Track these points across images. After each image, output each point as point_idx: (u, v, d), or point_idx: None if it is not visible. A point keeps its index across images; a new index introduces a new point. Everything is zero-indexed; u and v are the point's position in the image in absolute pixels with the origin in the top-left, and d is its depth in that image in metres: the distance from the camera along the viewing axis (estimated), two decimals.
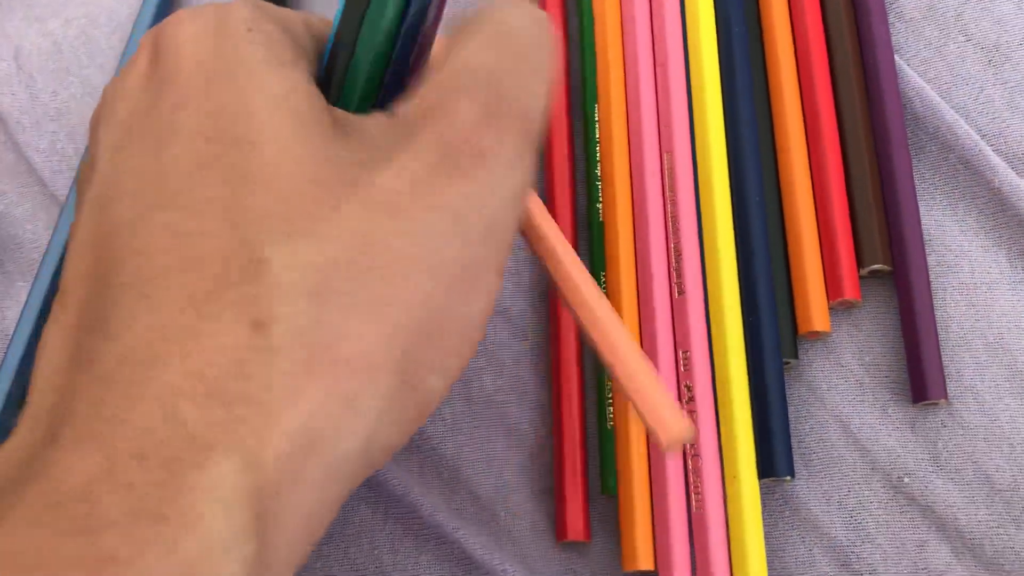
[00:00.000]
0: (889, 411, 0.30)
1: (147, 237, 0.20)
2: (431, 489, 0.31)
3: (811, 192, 0.31)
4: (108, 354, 0.19)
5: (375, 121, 0.22)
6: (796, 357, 0.30)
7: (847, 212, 0.30)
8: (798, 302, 0.30)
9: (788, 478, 0.28)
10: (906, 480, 0.29)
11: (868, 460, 0.29)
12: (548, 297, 0.33)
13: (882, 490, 0.29)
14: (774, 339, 0.29)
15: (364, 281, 0.20)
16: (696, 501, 0.28)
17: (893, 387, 0.30)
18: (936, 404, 0.29)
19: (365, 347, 0.20)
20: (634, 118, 0.32)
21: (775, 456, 0.28)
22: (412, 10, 0.23)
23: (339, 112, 0.22)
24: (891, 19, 0.33)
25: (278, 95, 0.21)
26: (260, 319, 0.19)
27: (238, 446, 0.18)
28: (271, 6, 0.24)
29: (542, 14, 0.23)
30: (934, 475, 0.29)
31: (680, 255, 0.30)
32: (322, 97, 0.22)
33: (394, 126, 0.22)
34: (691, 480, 0.28)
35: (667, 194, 0.31)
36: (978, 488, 0.28)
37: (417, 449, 0.32)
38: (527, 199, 0.22)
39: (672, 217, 0.30)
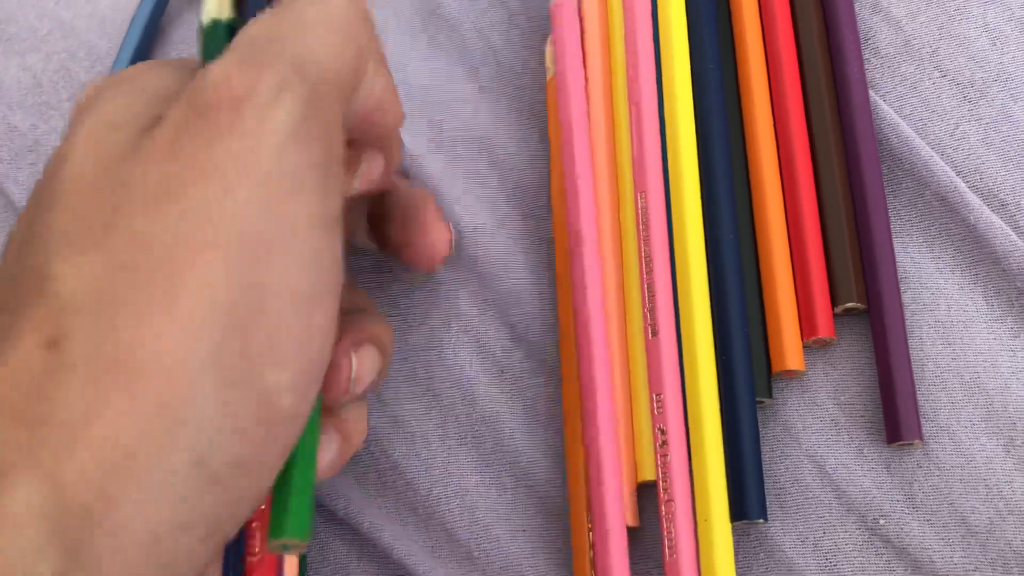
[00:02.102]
0: (865, 451, 0.29)
1: None
2: (406, 527, 0.30)
3: (785, 230, 0.30)
4: None
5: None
6: (771, 396, 0.29)
7: (821, 250, 0.30)
8: (772, 341, 0.29)
9: (761, 521, 0.27)
10: (882, 522, 0.28)
11: (843, 501, 0.28)
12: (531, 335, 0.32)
13: (857, 532, 0.28)
14: (747, 380, 0.28)
15: (153, 280, 0.18)
16: (669, 546, 0.27)
17: (868, 427, 0.29)
18: (911, 445, 0.28)
19: (166, 349, 0.18)
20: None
21: (747, 499, 0.27)
22: None
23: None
24: (866, 55, 0.32)
25: (101, 114, 0.21)
26: (53, 337, 0.19)
27: (36, 467, 0.18)
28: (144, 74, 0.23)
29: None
30: (910, 517, 0.28)
31: (653, 295, 0.29)
32: (162, 102, 0.21)
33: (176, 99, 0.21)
34: (664, 525, 0.27)
35: (640, 233, 0.30)
36: (954, 530, 0.28)
37: (392, 486, 0.31)
38: (321, 139, 0.20)
39: (646, 257, 0.29)
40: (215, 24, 0.24)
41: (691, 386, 0.28)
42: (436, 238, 0.29)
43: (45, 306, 0.19)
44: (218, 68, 0.20)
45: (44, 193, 0.21)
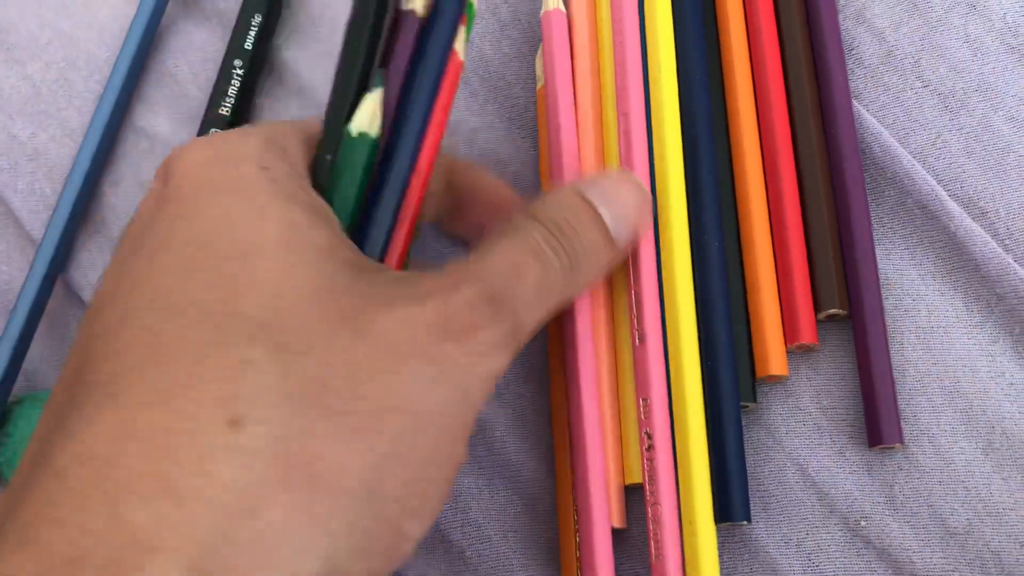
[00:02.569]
0: (847, 454, 0.29)
1: (126, 338, 0.20)
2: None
3: (770, 237, 0.31)
4: (64, 452, 0.19)
5: (390, 273, 0.23)
6: (755, 400, 0.30)
7: (805, 257, 0.30)
8: (756, 346, 0.30)
9: (745, 522, 0.28)
10: (863, 523, 0.29)
11: (826, 503, 0.29)
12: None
13: (840, 533, 0.29)
14: (732, 385, 0.29)
15: (352, 407, 0.20)
16: (655, 548, 0.27)
17: (850, 430, 0.29)
18: (892, 448, 0.29)
19: (342, 468, 0.19)
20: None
21: (732, 501, 0.28)
22: (387, 163, 0.24)
23: (358, 254, 0.23)
24: (850, 65, 0.33)
25: (282, 218, 0.22)
26: (237, 417, 0.19)
27: (182, 548, 0.18)
28: (275, 133, 0.24)
29: (618, 218, 0.26)
30: (890, 518, 0.29)
31: (640, 301, 0.29)
32: (340, 235, 0.23)
33: (406, 283, 0.22)
34: (650, 527, 0.28)
35: None
36: (933, 531, 0.28)
37: None
38: (489, 391, 0.23)
39: (632, 263, 0.30)
40: (364, 137, 0.24)
41: (677, 391, 0.28)
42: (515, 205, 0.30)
43: (234, 384, 0.19)
44: (465, 293, 0.22)
45: (226, 271, 0.21)
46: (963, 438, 0.29)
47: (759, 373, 0.29)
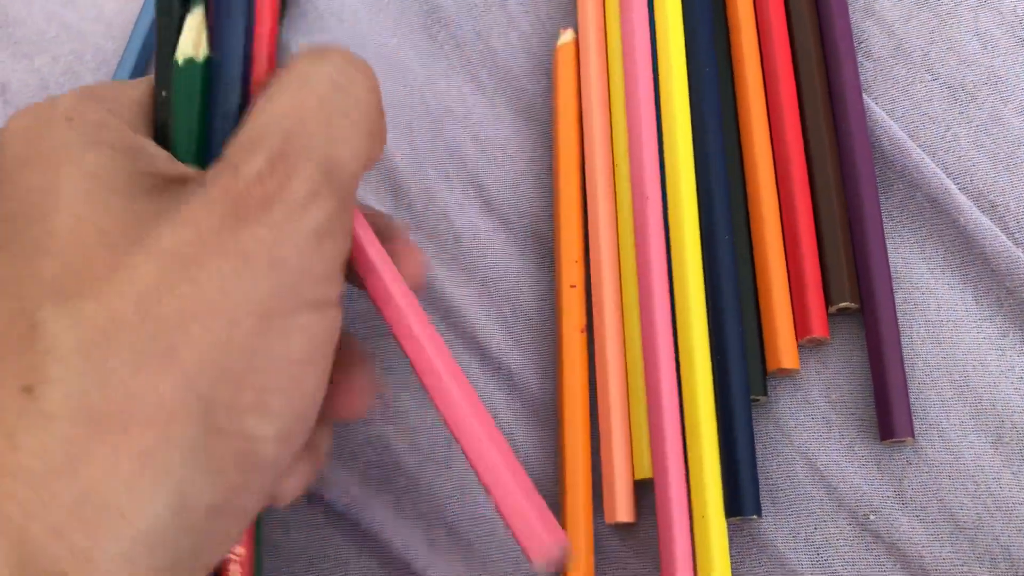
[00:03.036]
0: (855, 448, 0.29)
1: None
2: (406, 521, 0.31)
3: (780, 231, 0.30)
4: None
5: (184, 171, 0.22)
6: (765, 394, 0.29)
7: (816, 251, 0.30)
8: (767, 340, 0.30)
9: (755, 517, 0.28)
10: (872, 517, 0.28)
11: (834, 497, 0.29)
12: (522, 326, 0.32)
13: (848, 528, 0.29)
14: (743, 378, 0.28)
15: (152, 332, 0.19)
16: (665, 542, 0.27)
17: (860, 424, 0.29)
18: (902, 442, 0.29)
19: (156, 399, 0.18)
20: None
21: (743, 495, 0.28)
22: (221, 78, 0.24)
23: (175, 182, 0.22)
24: (859, 58, 0.33)
25: (86, 170, 0.21)
26: (31, 384, 0.18)
27: (4, 525, 0.17)
28: (101, 88, 0.24)
29: (355, 61, 0.23)
30: (899, 512, 0.28)
31: (651, 295, 0.29)
32: (152, 165, 0.22)
33: (192, 183, 0.21)
34: (661, 522, 0.27)
35: (639, 235, 0.30)
36: (942, 525, 0.28)
37: (393, 480, 0.31)
38: (338, 236, 0.21)
39: (643, 258, 0.30)
40: (191, 63, 0.24)
41: (687, 385, 0.28)
42: (412, 265, 0.27)
43: (27, 351, 0.19)
44: (249, 165, 0.20)
45: (27, 238, 0.20)
46: (973, 432, 0.29)
47: (770, 367, 0.29)
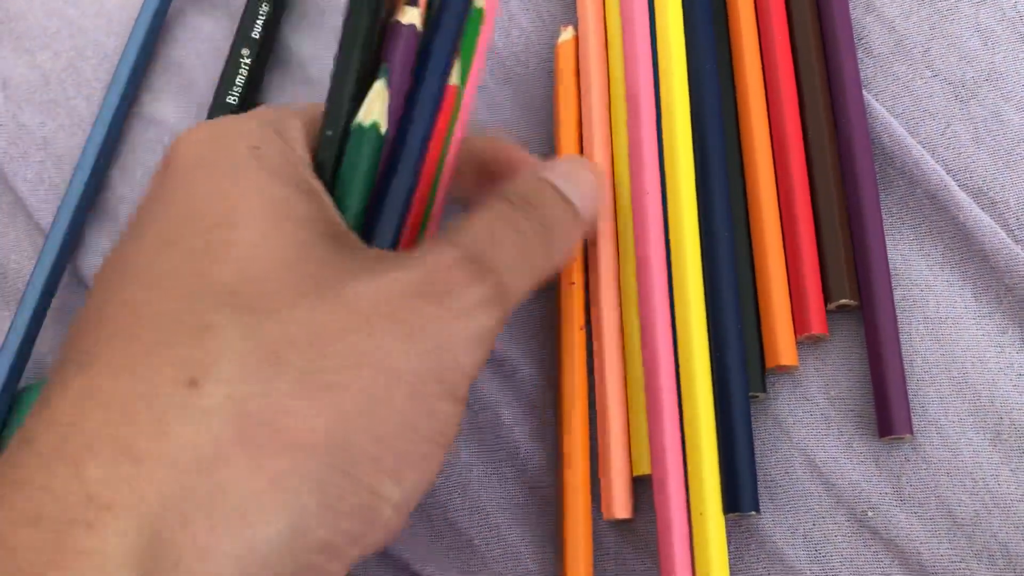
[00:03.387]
0: (854, 445, 0.29)
1: (107, 313, 0.21)
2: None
3: (779, 227, 0.30)
4: (36, 419, 0.19)
5: (376, 250, 0.23)
6: (764, 391, 0.29)
7: (815, 247, 0.30)
8: (766, 336, 0.29)
9: (754, 513, 0.28)
10: (870, 514, 0.28)
11: (833, 494, 0.29)
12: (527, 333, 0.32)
13: (847, 524, 0.29)
14: (741, 375, 0.28)
15: (320, 368, 0.20)
16: (663, 538, 0.27)
17: (858, 421, 0.29)
18: (901, 439, 0.29)
19: (305, 426, 0.19)
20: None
21: (741, 492, 0.28)
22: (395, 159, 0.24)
23: (346, 232, 0.23)
24: (859, 55, 0.33)
25: (269, 198, 0.22)
26: (196, 378, 0.19)
27: (137, 506, 0.18)
28: (276, 116, 0.24)
29: (578, 195, 0.26)
30: (897, 509, 0.28)
31: (649, 291, 0.29)
32: (328, 213, 0.23)
33: (388, 256, 0.22)
34: (659, 518, 0.27)
35: (637, 230, 0.30)
36: (941, 522, 0.28)
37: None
38: (488, 346, 0.22)
39: (641, 254, 0.30)
40: (374, 128, 0.24)
41: (686, 381, 0.28)
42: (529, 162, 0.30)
43: (196, 347, 0.19)
44: (447, 255, 0.22)
45: (203, 242, 0.21)
46: (971, 429, 0.29)
47: (769, 363, 0.29)
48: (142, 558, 0.18)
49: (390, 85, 0.24)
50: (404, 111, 0.24)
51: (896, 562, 0.28)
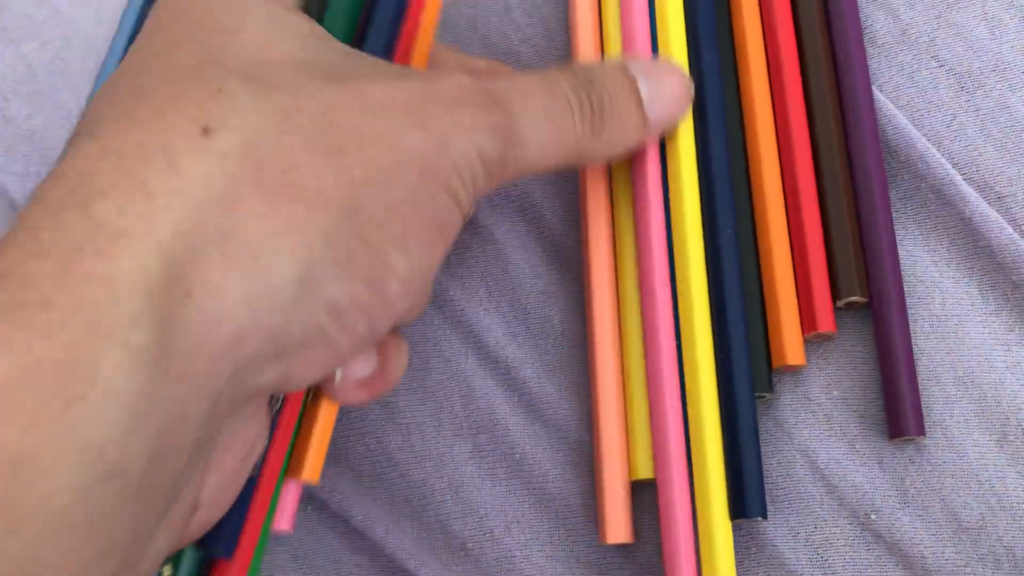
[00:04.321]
0: (857, 446, 0.28)
1: (116, 93, 0.21)
2: (399, 520, 0.30)
3: (785, 222, 0.29)
4: (44, 184, 0.19)
5: (385, 62, 0.23)
6: (771, 391, 0.29)
7: (823, 244, 0.29)
8: (772, 336, 0.29)
9: (760, 519, 0.27)
10: (873, 517, 0.28)
11: (835, 496, 0.28)
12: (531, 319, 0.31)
13: (849, 527, 0.28)
14: (747, 379, 0.27)
15: (327, 132, 0.20)
16: (668, 544, 0.26)
17: (861, 422, 0.28)
18: (907, 440, 0.28)
19: (317, 180, 0.19)
20: None
21: (748, 497, 0.26)
22: None
23: (359, 52, 0.23)
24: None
25: (271, 12, 0.22)
26: (211, 126, 0.19)
27: (149, 235, 0.18)
28: None
29: (656, 97, 0.27)
30: (901, 512, 0.28)
31: (652, 290, 0.28)
32: (326, 33, 0.23)
33: (406, 70, 0.23)
34: (664, 523, 0.27)
35: (640, 229, 0.29)
36: (945, 525, 0.27)
37: (385, 478, 0.31)
38: (493, 178, 0.23)
39: (643, 249, 0.29)
40: None
41: (691, 384, 0.27)
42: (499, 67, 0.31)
43: (210, 102, 0.19)
44: (462, 80, 0.23)
45: (218, 42, 0.21)
46: (977, 430, 0.28)
47: (775, 363, 0.28)
48: (152, 288, 0.17)
49: None
50: None
51: (900, 566, 0.27)
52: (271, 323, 0.19)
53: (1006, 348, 0.28)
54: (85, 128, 0.20)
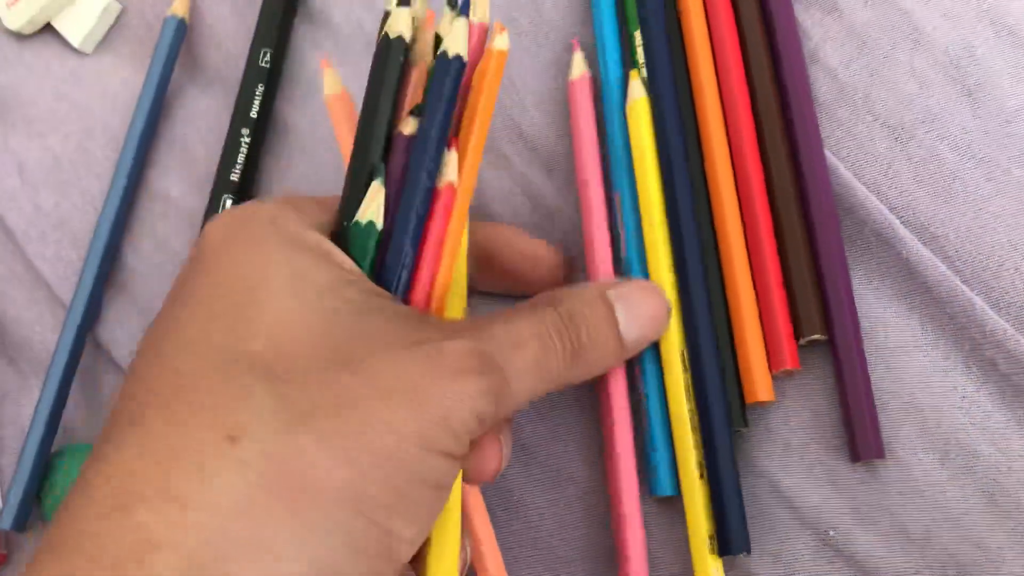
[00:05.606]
0: (814, 471, 0.31)
1: (155, 377, 0.23)
2: None
3: (749, 270, 0.32)
4: (93, 471, 0.22)
5: (398, 309, 0.25)
6: (746, 426, 0.31)
7: (783, 287, 0.32)
8: (743, 375, 0.31)
9: (744, 554, 0.30)
10: (832, 533, 0.31)
11: (797, 517, 0.31)
12: None
13: (813, 543, 0.31)
14: (724, 421, 0.30)
15: (338, 428, 0.22)
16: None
17: (817, 447, 0.31)
18: (866, 464, 0.31)
19: (328, 477, 0.22)
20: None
21: (731, 534, 0.29)
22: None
23: (367, 290, 0.25)
24: None
25: (293, 267, 0.24)
26: (235, 434, 0.22)
27: (184, 545, 0.20)
28: (298, 200, 0.27)
29: (635, 324, 0.29)
30: (856, 528, 0.30)
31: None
32: (349, 274, 0.25)
33: (407, 325, 0.25)
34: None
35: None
36: (895, 538, 0.30)
37: None
38: (477, 425, 0.24)
39: None
40: (371, 225, 0.27)
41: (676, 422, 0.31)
42: (542, 254, 0.33)
43: (236, 409, 0.22)
44: (459, 347, 0.24)
45: (237, 313, 0.24)
46: (921, 450, 0.31)
47: (748, 399, 0.31)
48: None
49: (387, 184, 0.27)
50: (395, 207, 0.27)
51: None
52: None
53: (944, 374, 0.31)
54: (127, 414, 0.23)
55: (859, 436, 0.30)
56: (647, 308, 0.29)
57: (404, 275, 0.26)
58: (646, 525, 0.32)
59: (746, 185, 0.33)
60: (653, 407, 0.31)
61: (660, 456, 0.31)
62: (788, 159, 0.33)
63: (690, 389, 0.31)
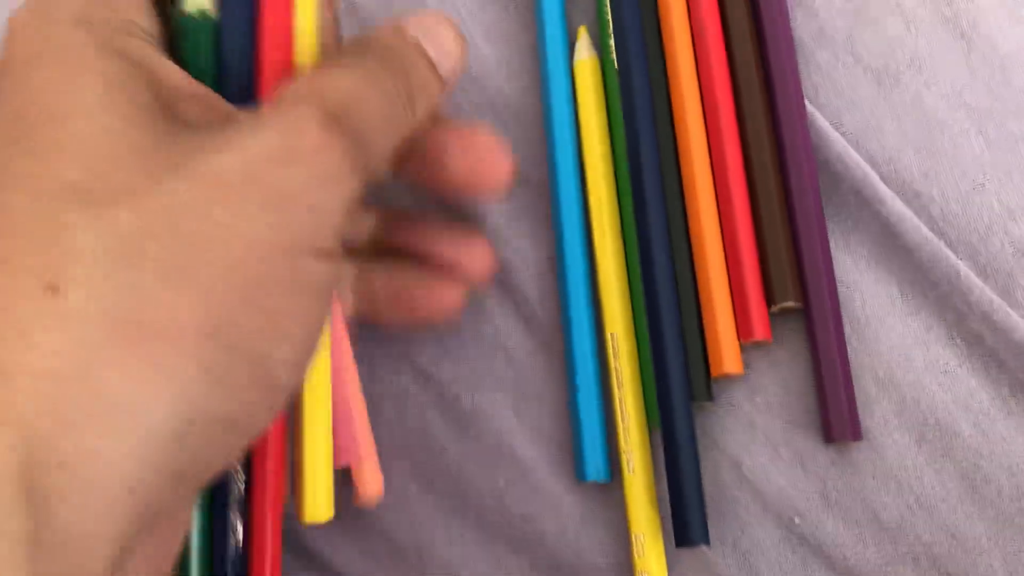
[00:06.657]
0: (780, 451, 0.29)
1: None
2: (380, 563, 0.30)
3: (719, 231, 0.29)
4: None
5: (236, 112, 0.22)
6: (711, 399, 0.29)
7: (755, 252, 0.29)
8: (710, 345, 0.28)
9: (704, 545, 0.27)
10: (797, 520, 0.28)
11: (760, 501, 0.28)
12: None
13: (775, 531, 0.28)
14: (685, 406, 0.27)
15: (178, 248, 0.19)
16: None
17: (785, 426, 0.29)
18: (835, 444, 0.28)
19: (173, 311, 0.19)
20: None
21: (690, 524, 0.27)
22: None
23: (198, 100, 0.22)
24: None
25: (106, 78, 0.21)
26: (55, 283, 0.18)
27: (14, 419, 0.17)
28: None
29: (442, 54, 0.25)
30: (824, 514, 0.28)
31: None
32: (178, 82, 0.22)
33: (244, 119, 0.21)
34: None
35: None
36: (866, 526, 0.28)
37: (361, 518, 0.30)
38: (346, 210, 0.22)
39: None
40: (203, 14, 0.24)
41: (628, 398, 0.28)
42: (495, 161, 0.28)
43: (52, 251, 0.19)
44: (301, 117, 0.21)
45: (44, 137, 0.20)
46: (896, 431, 0.28)
47: (714, 372, 0.28)
48: (23, 471, 0.17)
49: None
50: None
51: (824, 568, 0.28)
52: (166, 463, 0.19)
53: (925, 347, 0.28)
54: None
55: (834, 416, 0.28)
56: (447, 36, 0.26)
57: (244, 70, 0.24)
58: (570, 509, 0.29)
59: (717, 135, 0.30)
60: (582, 374, 0.28)
61: (588, 432, 0.28)
62: (764, 107, 0.30)
63: (635, 357, 0.28)
